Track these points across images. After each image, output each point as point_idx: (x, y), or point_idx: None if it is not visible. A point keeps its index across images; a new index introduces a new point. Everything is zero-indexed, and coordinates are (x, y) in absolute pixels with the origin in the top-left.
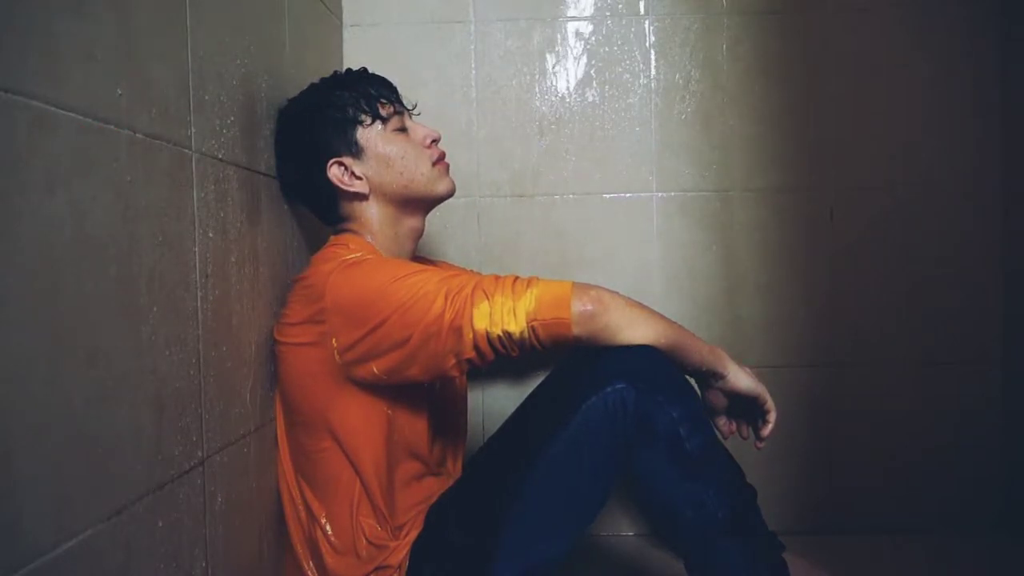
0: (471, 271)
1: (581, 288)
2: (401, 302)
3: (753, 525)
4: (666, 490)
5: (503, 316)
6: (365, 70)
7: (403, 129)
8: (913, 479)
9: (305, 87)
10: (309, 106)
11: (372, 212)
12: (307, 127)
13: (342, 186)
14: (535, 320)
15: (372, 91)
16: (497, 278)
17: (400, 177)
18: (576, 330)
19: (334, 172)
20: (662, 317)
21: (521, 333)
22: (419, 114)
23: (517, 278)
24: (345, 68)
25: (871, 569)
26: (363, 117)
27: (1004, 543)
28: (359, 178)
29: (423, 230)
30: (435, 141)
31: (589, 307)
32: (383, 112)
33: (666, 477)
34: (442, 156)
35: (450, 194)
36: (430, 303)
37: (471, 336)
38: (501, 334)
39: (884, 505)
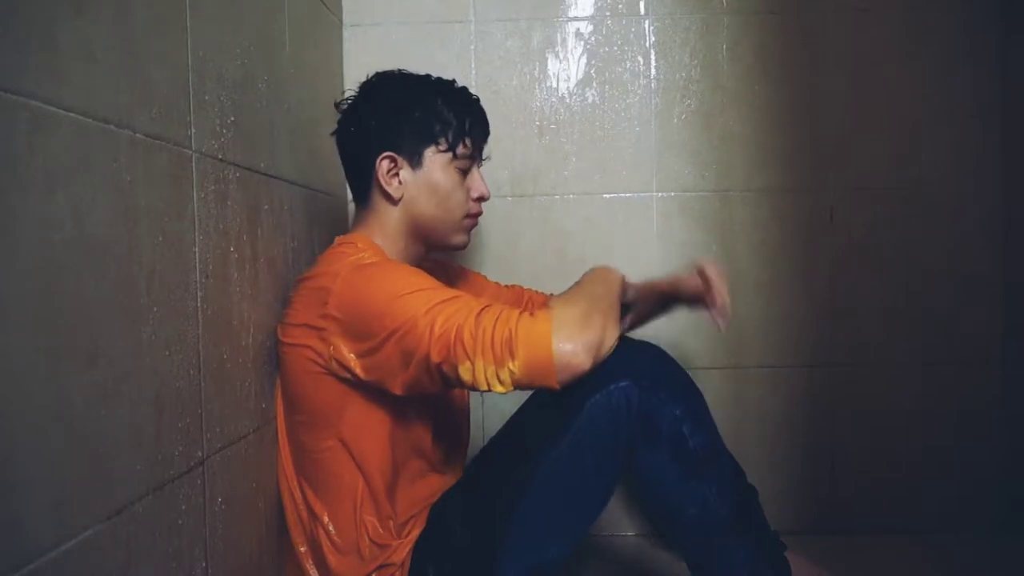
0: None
1: (561, 344)
2: (397, 327)
3: (756, 524)
4: (669, 489)
5: (488, 379)
6: (478, 101)
7: (465, 171)
8: (913, 479)
9: (396, 76)
10: (408, 93)
11: (393, 218)
12: (391, 108)
13: (382, 180)
14: (521, 383)
15: (466, 126)
16: (478, 322)
17: (434, 209)
18: (563, 384)
19: (383, 164)
20: (606, 305)
21: (507, 391)
22: (488, 158)
23: (496, 327)
24: (465, 83)
25: (871, 569)
26: (442, 140)
27: (1004, 543)
28: (400, 183)
29: (423, 259)
30: (481, 199)
31: (573, 363)
32: (461, 149)
33: (669, 476)
34: (477, 215)
35: (460, 248)
36: (420, 336)
37: (457, 380)
38: (487, 389)
39: (884, 505)
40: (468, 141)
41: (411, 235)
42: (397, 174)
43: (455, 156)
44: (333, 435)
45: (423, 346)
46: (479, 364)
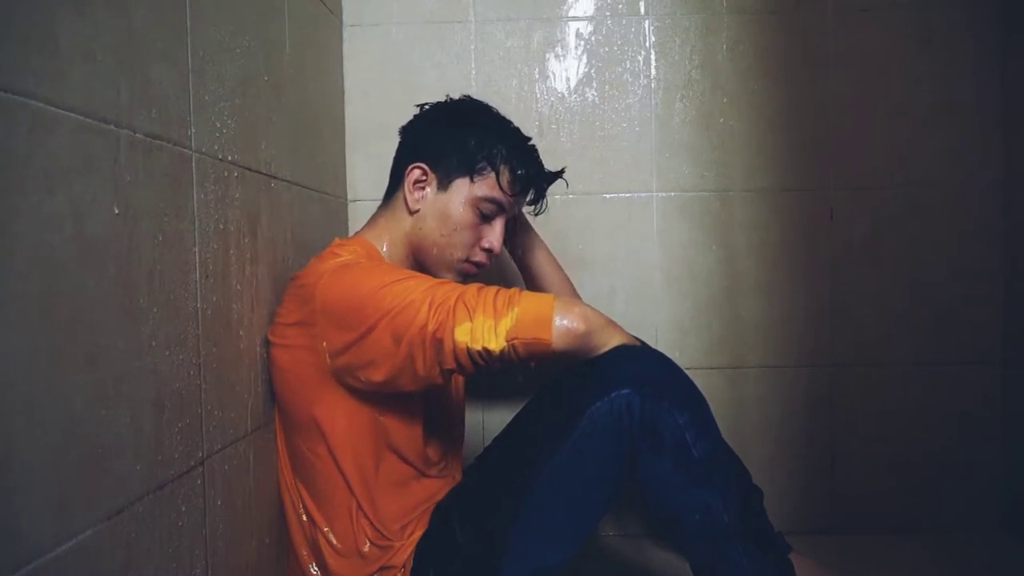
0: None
1: (564, 307)
2: (388, 309)
3: (759, 527)
4: (673, 496)
5: (484, 334)
6: (541, 168)
7: (488, 217)
8: (913, 479)
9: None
10: (476, 122)
11: (404, 227)
12: (452, 126)
13: (406, 187)
14: (515, 339)
15: (512, 178)
16: (480, 290)
17: (436, 237)
18: (556, 347)
19: (414, 172)
20: (629, 335)
21: (501, 351)
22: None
23: (499, 292)
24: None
25: (872, 569)
26: (478, 179)
27: (1004, 543)
28: (422, 197)
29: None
30: (488, 251)
31: (572, 325)
32: (490, 192)
33: (673, 483)
34: (476, 267)
35: None
36: (415, 312)
37: (451, 348)
38: (481, 350)
39: (884, 505)
40: (506, 189)
41: (413, 250)
42: (424, 188)
43: (484, 198)
44: (322, 441)
45: (419, 319)
46: (478, 321)
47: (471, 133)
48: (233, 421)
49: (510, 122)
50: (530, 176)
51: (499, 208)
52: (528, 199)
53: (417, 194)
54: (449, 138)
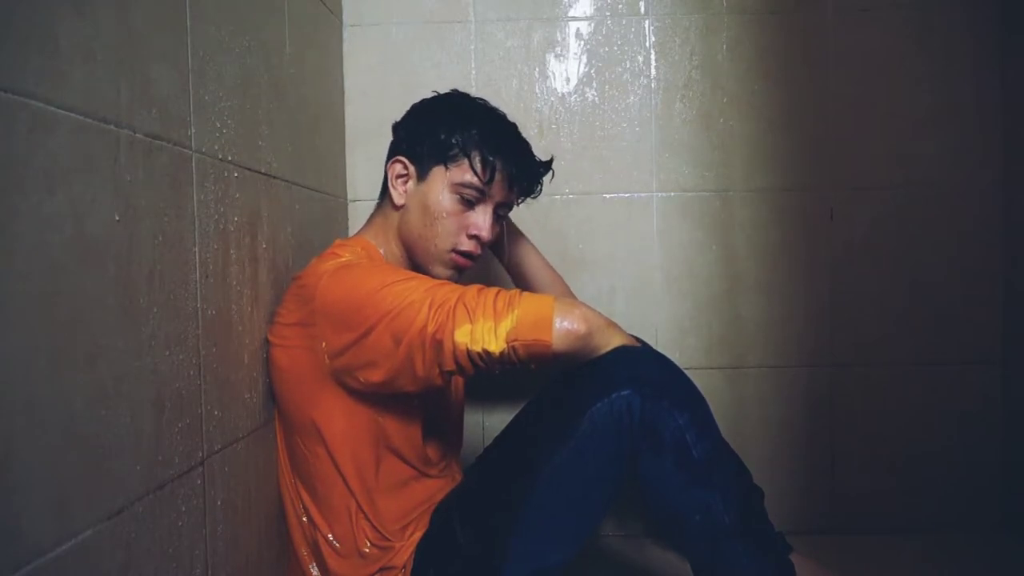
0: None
1: (564, 308)
2: (388, 310)
3: (760, 527)
4: (673, 496)
5: (484, 335)
6: (521, 146)
7: (468, 202)
8: (913, 479)
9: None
10: (451, 112)
11: (394, 223)
12: (427, 119)
13: (390, 182)
14: (516, 341)
15: (487, 162)
16: (480, 291)
17: (421, 228)
18: (556, 349)
19: (395, 167)
20: (629, 336)
21: (501, 352)
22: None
23: (499, 293)
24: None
25: (872, 569)
26: (451, 164)
27: (1004, 543)
28: (405, 191)
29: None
30: (476, 238)
31: (572, 326)
32: (467, 177)
33: (673, 484)
34: (467, 257)
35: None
36: (415, 313)
37: (451, 349)
38: (480, 352)
39: (884, 505)
40: (479, 174)
41: (405, 246)
42: (406, 181)
43: (460, 184)
44: (320, 442)
45: (419, 320)
46: (478, 324)
47: (444, 121)
48: (233, 421)
49: (495, 110)
50: (505, 160)
51: (479, 193)
52: (520, 189)
53: (400, 188)
54: (425, 129)
